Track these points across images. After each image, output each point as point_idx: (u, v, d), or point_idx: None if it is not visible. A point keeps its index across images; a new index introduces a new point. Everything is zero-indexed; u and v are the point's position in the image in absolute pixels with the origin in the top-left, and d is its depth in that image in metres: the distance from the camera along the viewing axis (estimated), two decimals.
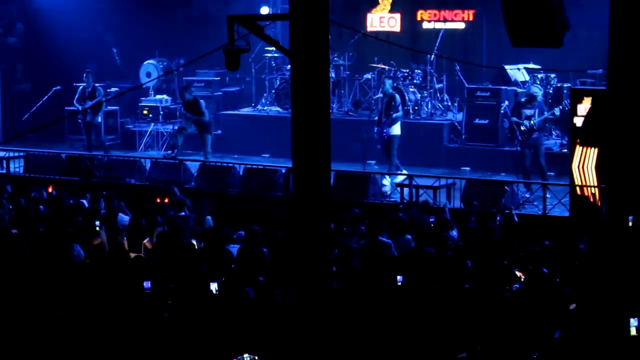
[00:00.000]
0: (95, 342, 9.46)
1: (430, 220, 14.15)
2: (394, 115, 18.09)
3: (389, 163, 18.18)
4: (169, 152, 20.35)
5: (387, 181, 17.51)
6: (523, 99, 17.35)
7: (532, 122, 16.88)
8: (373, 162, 18.33)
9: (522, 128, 16.95)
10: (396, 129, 18.18)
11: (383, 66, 20.91)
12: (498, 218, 14.49)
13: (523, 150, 17.14)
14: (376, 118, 18.79)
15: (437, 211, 14.90)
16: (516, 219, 14.37)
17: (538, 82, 19.04)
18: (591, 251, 11.92)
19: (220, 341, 9.54)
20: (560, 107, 17.68)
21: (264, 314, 9.84)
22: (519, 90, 19.67)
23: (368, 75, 21.34)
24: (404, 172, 17.59)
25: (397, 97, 18.40)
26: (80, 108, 20.64)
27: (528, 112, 16.96)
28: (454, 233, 13.67)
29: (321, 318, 8.67)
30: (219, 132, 21.31)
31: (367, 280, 10.95)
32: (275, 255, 12.27)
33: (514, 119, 17.07)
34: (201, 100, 20.38)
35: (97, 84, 21.18)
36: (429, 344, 9.36)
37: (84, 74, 21.01)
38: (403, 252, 12.52)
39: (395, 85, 20.25)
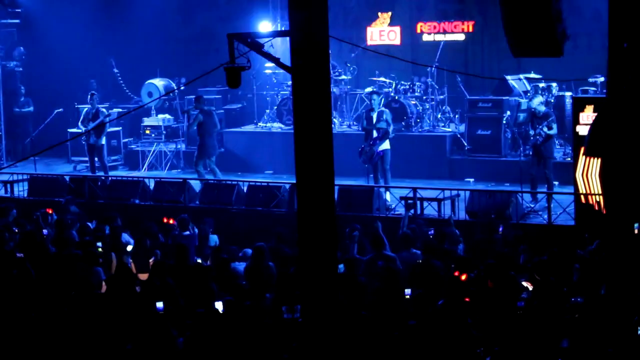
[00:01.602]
0: None
1: (430, 232, 14.11)
2: (383, 131, 17.87)
3: (384, 177, 17.98)
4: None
5: (389, 195, 17.42)
6: (535, 110, 17.19)
7: (543, 132, 16.85)
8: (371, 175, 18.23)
9: (532, 139, 16.93)
10: (386, 144, 17.96)
11: (384, 79, 20.93)
12: (501, 229, 14.42)
13: (533, 159, 17.16)
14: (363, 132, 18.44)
15: (442, 224, 14.85)
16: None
17: (540, 92, 18.95)
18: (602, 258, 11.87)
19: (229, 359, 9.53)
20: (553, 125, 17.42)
21: (271, 331, 9.82)
22: (521, 100, 19.65)
23: (369, 89, 21.36)
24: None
25: (388, 112, 18.23)
26: (83, 130, 20.58)
27: (540, 122, 16.92)
28: (461, 247, 13.65)
29: (329, 334, 8.65)
30: (222, 150, 21.25)
31: (374, 295, 10.93)
32: (281, 272, 12.24)
33: (526, 128, 17.01)
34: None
35: (100, 106, 21.12)
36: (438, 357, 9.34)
37: (89, 96, 20.93)
38: (411, 266, 12.47)
39: (397, 98, 20.27)
